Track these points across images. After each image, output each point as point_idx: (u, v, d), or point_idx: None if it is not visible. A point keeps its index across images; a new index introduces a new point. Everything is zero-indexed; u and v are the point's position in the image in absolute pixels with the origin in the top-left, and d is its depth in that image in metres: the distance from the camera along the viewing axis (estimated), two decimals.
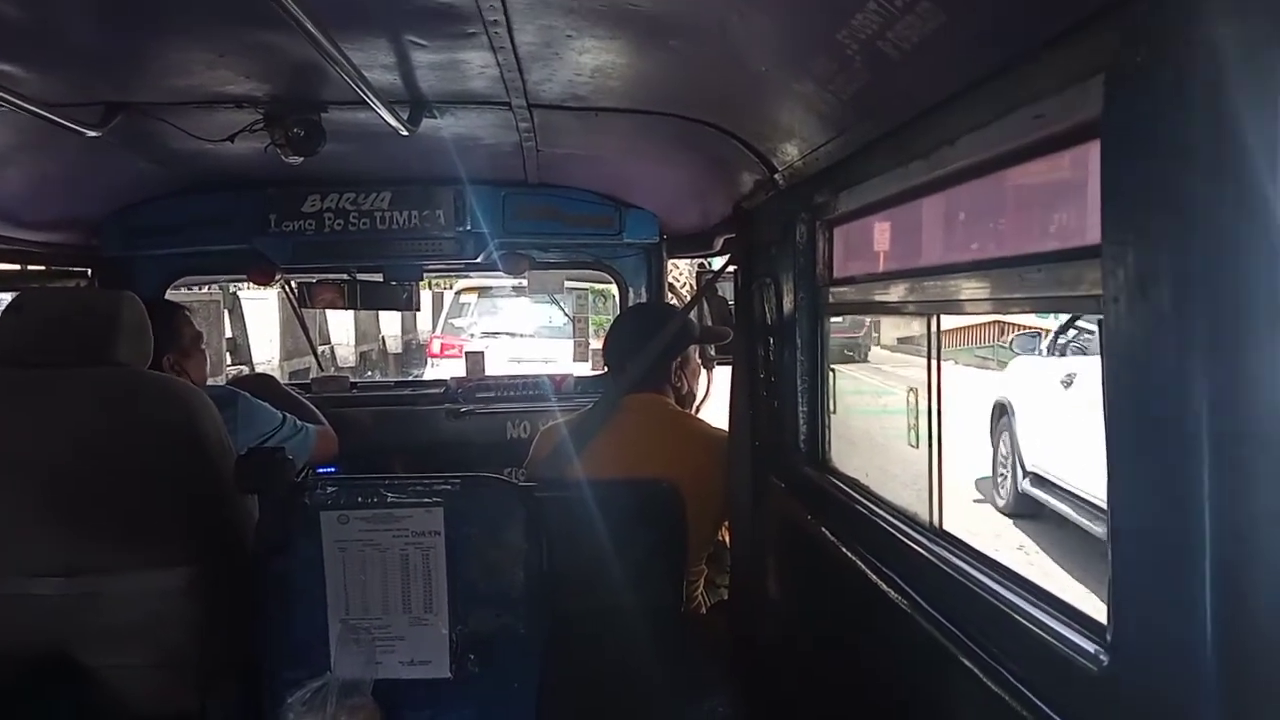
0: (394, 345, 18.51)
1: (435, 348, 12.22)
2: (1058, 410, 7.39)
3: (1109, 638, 1.06)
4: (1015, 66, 1.22)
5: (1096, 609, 1.13)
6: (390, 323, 17.97)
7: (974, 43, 1.29)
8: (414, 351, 17.77)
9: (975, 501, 8.59)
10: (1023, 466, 7.92)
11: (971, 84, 1.35)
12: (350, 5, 1.77)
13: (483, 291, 11.95)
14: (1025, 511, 7.93)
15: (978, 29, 1.27)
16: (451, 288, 12.86)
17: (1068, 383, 7.42)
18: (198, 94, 2.37)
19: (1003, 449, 8.45)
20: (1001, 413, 8.63)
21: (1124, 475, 1.02)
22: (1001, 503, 8.34)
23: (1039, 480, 7.61)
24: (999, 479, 8.51)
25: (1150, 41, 0.92)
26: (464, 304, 12.35)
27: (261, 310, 13.04)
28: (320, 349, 15.49)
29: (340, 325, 15.70)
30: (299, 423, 3.09)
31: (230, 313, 12.11)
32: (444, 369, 9.88)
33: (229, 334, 12.21)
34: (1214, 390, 0.87)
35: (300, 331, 6.19)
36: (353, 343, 16.49)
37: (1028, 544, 7.48)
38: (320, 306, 4.16)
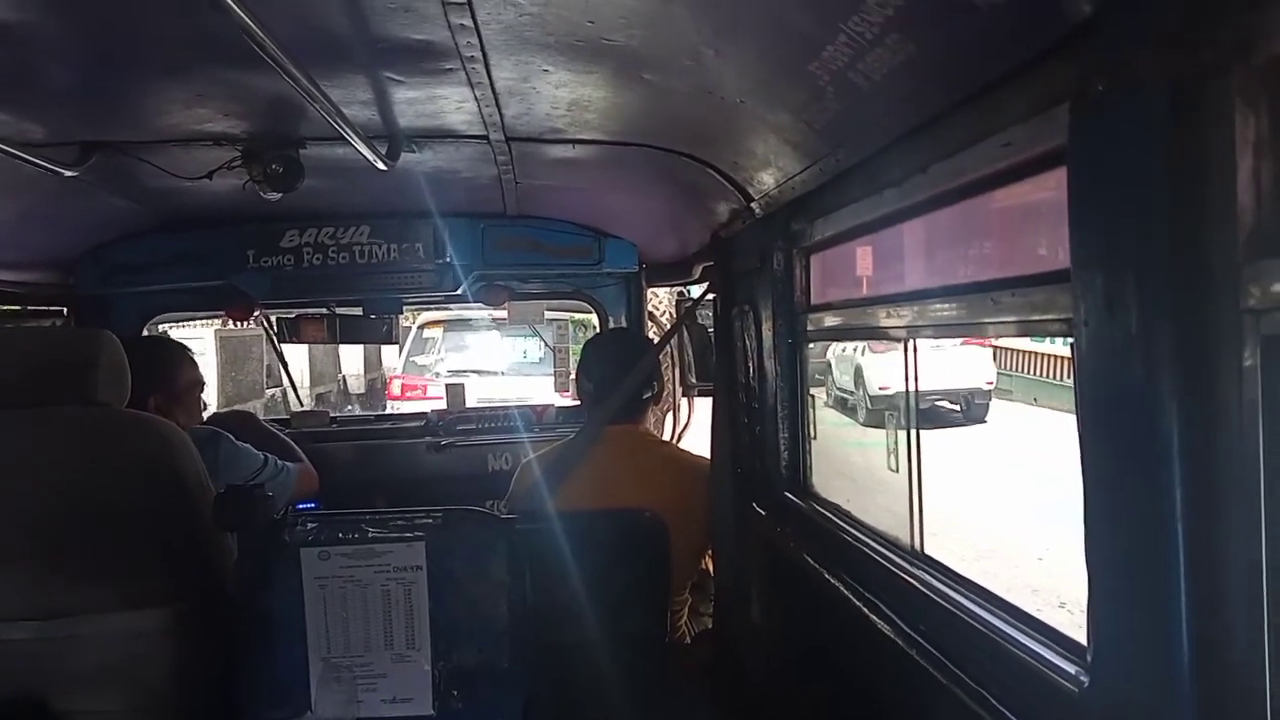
0: (356, 385, 17.19)
1: (395, 389, 10.87)
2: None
3: (1089, 659, 1.06)
4: (982, 96, 1.25)
5: (1076, 630, 1.14)
6: (352, 360, 16.63)
7: (941, 73, 1.32)
8: (379, 391, 16.37)
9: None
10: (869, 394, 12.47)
11: (940, 113, 1.37)
12: (328, 43, 1.78)
13: (449, 325, 10.84)
14: (872, 423, 11.22)
15: (945, 60, 1.29)
16: (413, 322, 11.21)
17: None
18: (175, 132, 2.37)
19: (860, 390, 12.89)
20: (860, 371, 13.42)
21: (1098, 497, 1.03)
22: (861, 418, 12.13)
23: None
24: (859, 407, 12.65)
25: (1109, 72, 0.94)
26: (428, 339, 11.12)
27: (195, 351, 12.19)
28: (269, 392, 14.24)
29: (292, 364, 14.43)
30: (280, 462, 3.07)
31: None
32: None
33: None
34: (1185, 411, 0.88)
35: (242, 376, 6.10)
36: (307, 384, 14.78)
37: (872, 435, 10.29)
38: (300, 341, 4.14)
